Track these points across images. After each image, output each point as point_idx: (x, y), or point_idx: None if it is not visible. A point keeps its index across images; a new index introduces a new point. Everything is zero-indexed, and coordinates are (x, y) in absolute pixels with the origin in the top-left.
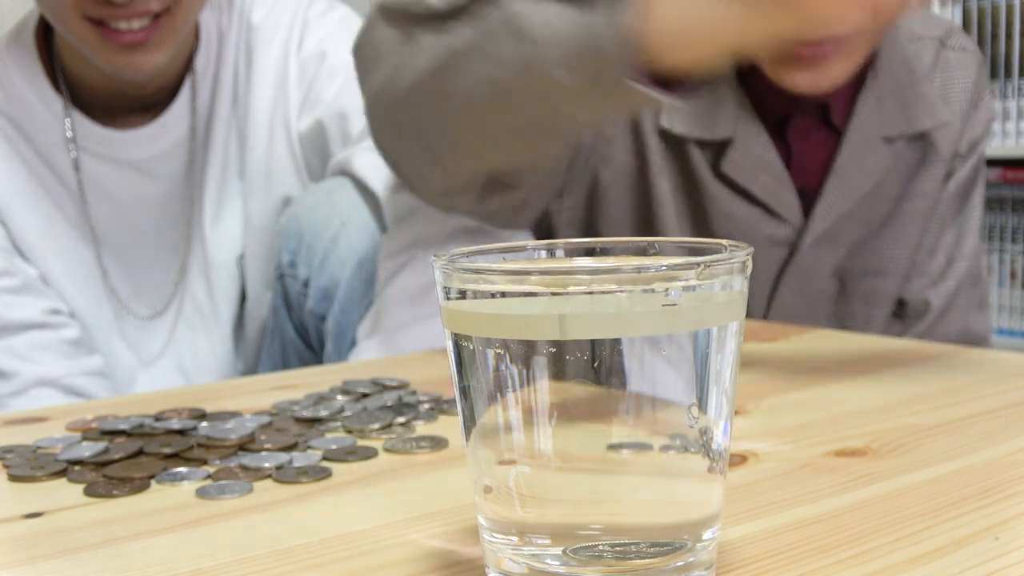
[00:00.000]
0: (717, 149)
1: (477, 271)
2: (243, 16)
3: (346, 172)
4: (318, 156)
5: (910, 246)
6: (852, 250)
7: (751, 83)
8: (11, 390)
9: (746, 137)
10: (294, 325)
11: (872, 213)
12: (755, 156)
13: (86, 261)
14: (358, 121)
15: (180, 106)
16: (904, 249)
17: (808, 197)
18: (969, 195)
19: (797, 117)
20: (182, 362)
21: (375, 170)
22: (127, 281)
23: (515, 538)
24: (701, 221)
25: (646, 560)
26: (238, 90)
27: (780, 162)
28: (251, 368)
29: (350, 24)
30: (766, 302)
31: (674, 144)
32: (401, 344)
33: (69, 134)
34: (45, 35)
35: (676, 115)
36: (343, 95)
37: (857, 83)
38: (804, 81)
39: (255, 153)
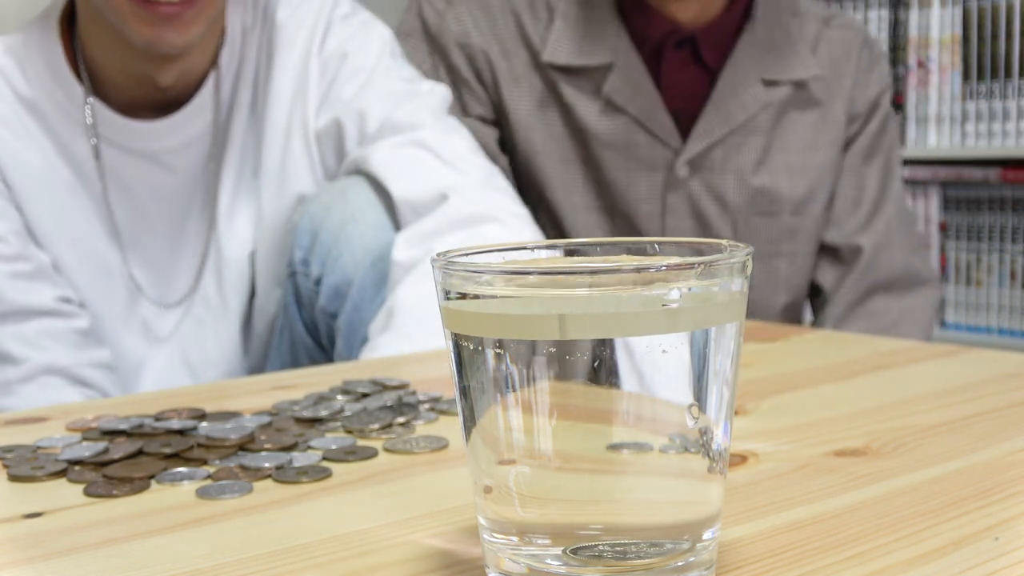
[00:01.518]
0: (598, 74)
1: (477, 271)
2: (267, 14)
3: (361, 170)
4: (334, 154)
5: (799, 187)
6: (736, 185)
7: (629, 14)
8: (19, 376)
9: (624, 63)
10: (304, 323)
11: (748, 146)
12: (633, 80)
13: (101, 250)
14: (375, 120)
15: (201, 101)
16: (790, 189)
17: (684, 124)
18: (878, 146)
19: (669, 51)
20: (188, 356)
21: (390, 168)
22: (147, 272)
23: (515, 538)
24: (584, 147)
25: (646, 560)
26: (258, 87)
27: (654, 88)
28: (257, 365)
29: (372, 29)
30: (660, 232)
31: (559, 75)
32: (415, 339)
33: (89, 121)
34: (69, 23)
35: (559, 48)
36: (363, 94)
37: (734, 31)
38: (685, 11)
39: (271, 151)
